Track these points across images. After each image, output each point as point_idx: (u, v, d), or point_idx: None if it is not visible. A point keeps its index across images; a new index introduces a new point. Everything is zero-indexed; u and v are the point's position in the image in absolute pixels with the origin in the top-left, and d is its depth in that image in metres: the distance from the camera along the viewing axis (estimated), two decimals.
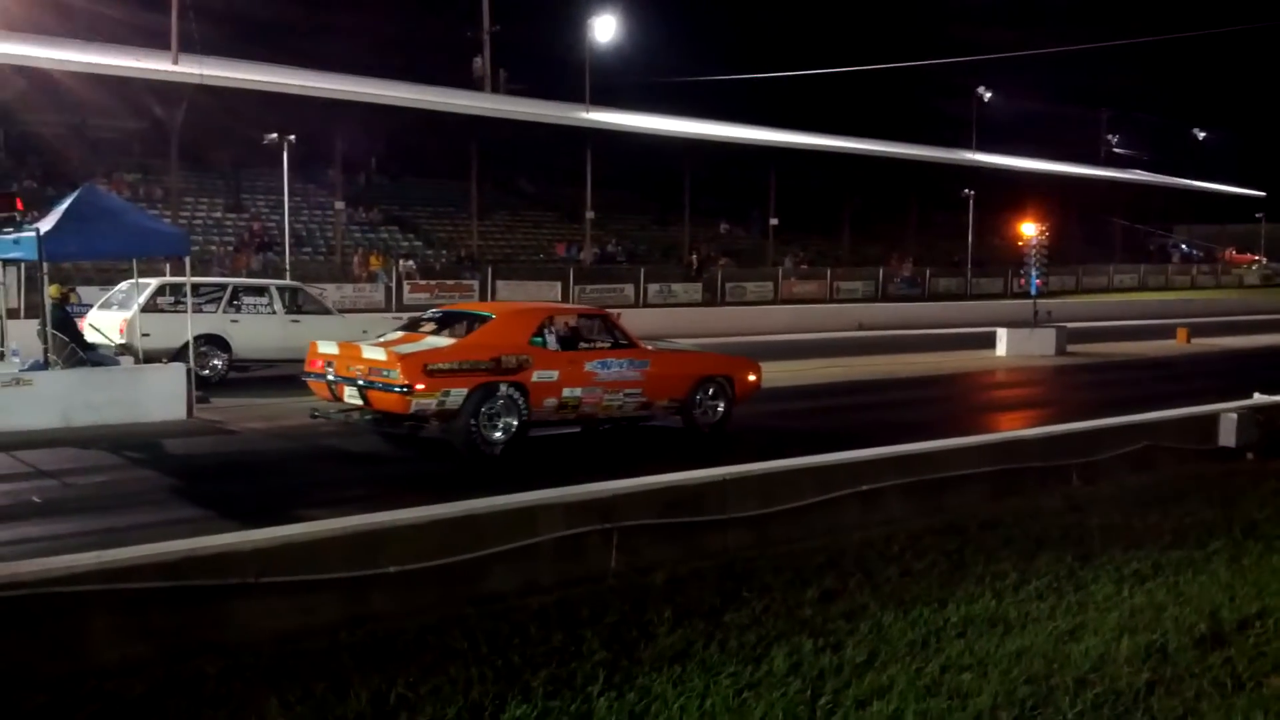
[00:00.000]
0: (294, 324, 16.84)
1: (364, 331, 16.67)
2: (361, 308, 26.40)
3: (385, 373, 10.22)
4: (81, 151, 33.05)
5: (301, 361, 16.78)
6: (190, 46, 29.53)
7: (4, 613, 4.77)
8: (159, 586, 5.18)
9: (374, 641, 5.57)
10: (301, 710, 4.72)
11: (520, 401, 10.67)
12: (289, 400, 14.43)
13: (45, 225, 12.78)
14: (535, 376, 10.73)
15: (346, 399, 10.77)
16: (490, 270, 31.24)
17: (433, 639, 5.61)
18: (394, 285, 29.68)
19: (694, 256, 39.37)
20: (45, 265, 13.56)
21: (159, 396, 12.72)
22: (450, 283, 31.48)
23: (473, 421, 10.43)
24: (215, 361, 16.07)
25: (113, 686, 4.82)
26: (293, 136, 27.61)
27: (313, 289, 19.19)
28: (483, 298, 29.79)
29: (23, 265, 14.61)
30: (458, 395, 10.31)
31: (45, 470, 10.18)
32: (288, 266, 27.41)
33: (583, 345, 11.50)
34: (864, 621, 6.05)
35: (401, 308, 27.84)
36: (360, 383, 10.48)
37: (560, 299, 30.81)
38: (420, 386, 10.07)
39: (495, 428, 10.57)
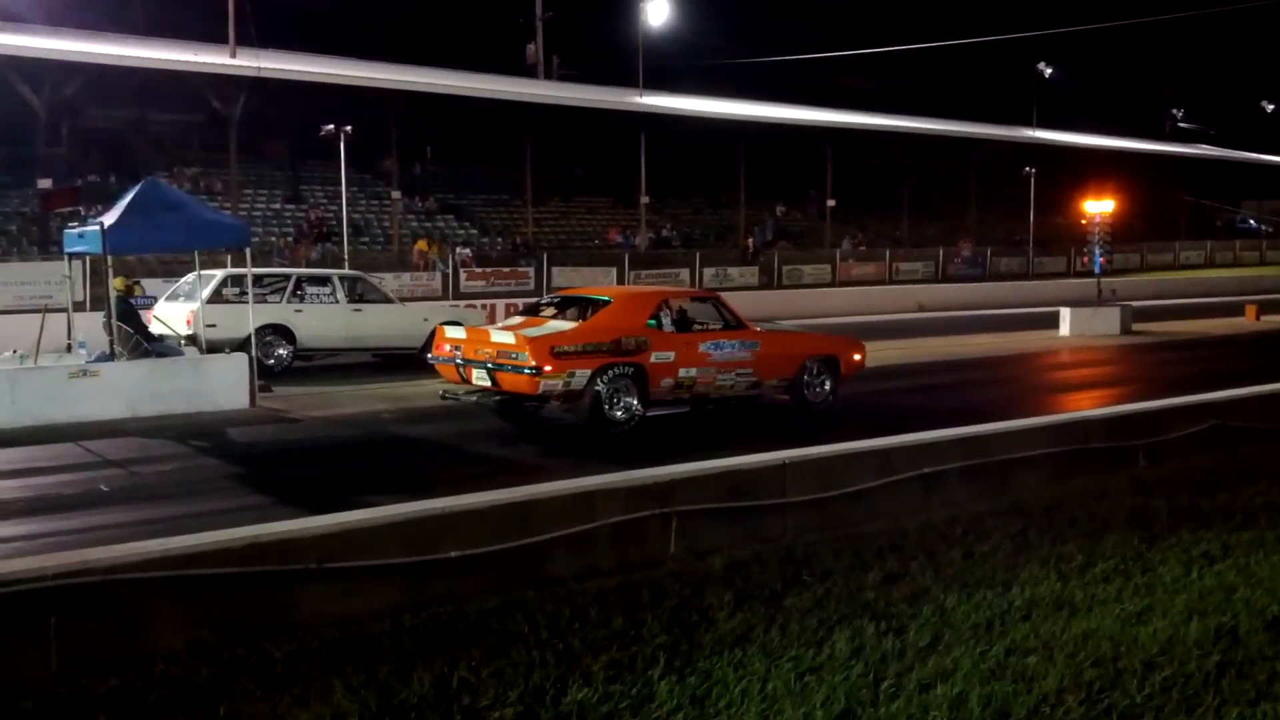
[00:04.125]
0: (356, 313, 17.04)
1: (425, 320, 16.86)
2: (419, 296, 26.56)
3: (514, 355, 10.71)
4: (143, 145, 33.61)
5: (363, 350, 17.25)
6: (248, 40, 29.84)
7: (75, 599, 4.86)
8: (225, 573, 5.26)
9: (435, 625, 5.62)
10: (365, 693, 4.76)
11: (640, 382, 11.04)
12: (351, 389, 14.62)
13: (109, 219, 13.00)
14: (653, 358, 11.18)
15: (474, 381, 11.17)
16: (546, 257, 31.29)
17: (494, 623, 5.64)
18: (451, 273, 29.83)
19: (750, 240, 39.14)
20: (110, 258, 13.82)
21: (223, 386, 12.91)
22: (506, 270, 31.58)
23: (595, 401, 10.84)
24: (280, 351, 16.28)
25: (180, 670, 4.90)
26: (349, 127, 27.82)
27: (372, 278, 19.36)
28: (539, 285, 29.86)
29: (88, 258, 14.88)
30: (582, 376, 10.77)
31: (112, 459, 10.38)
32: (346, 256, 27.67)
33: (696, 327, 11.96)
34: (927, 605, 6.00)
35: (458, 296, 28.02)
36: (489, 365, 10.89)
37: (615, 284, 30.80)
38: (548, 368, 10.53)
39: (617, 407, 11.02)
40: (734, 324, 12.04)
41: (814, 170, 42.20)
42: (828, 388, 12.49)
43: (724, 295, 13.40)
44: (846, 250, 40.27)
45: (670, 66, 40.39)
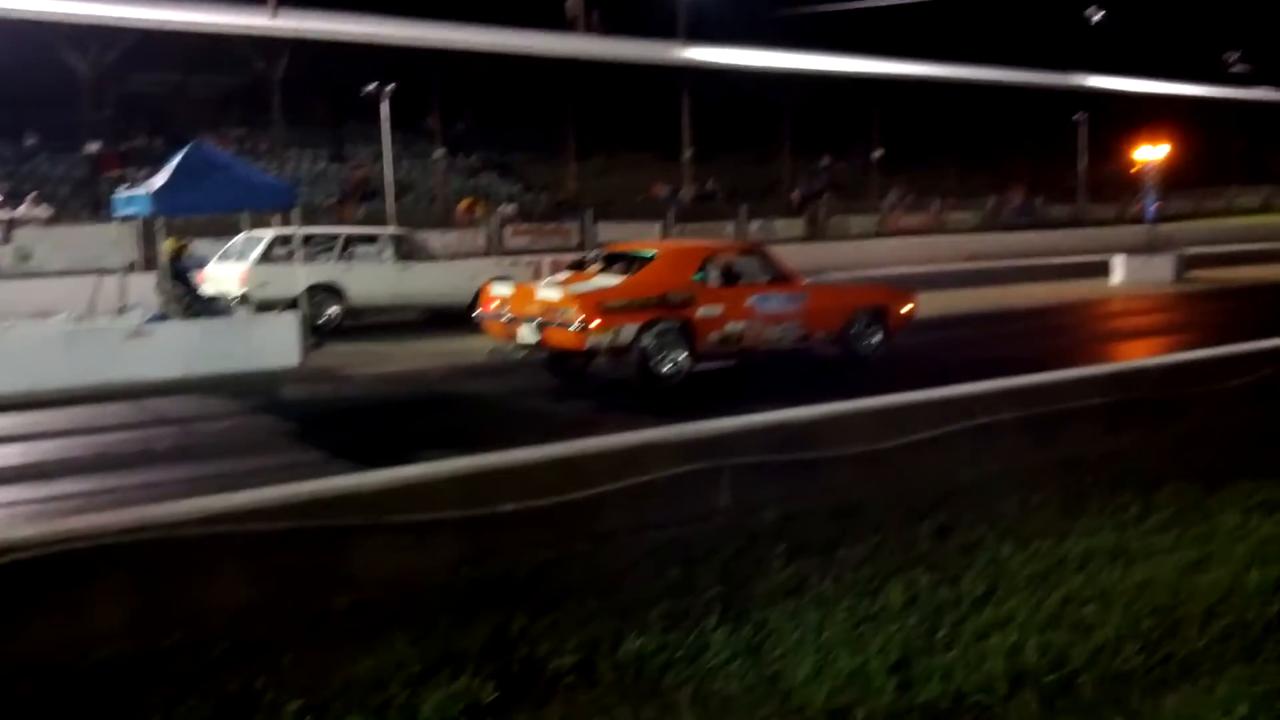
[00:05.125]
0: (404, 271, 17.15)
1: (472, 277, 16.92)
2: (464, 253, 26.63)
3: (561, 311, 10.71)
4: (187, 108, 33.80)
5: (411, 309, 17.36)
6: (289, 1, 29.86)
7: (140, 554, 4.95)
8: (285, 528, 5.34)
9: (492, 578, 5.68)
10: (425, 643, 4.83)
11: (687, 336, 11.01)
12: (400, 346, 14.74)
13: (158, 181, 13.12)
14: (700, 312, 11.14)
15: (521, 338, 11.19)
16: (590, 213, 31.20)
17: (549, 575, 5.70)
18: (494, 230, 29.84)
19: (795, 193, 38.78)
20: (160, 220, 13.96)
21: (274, 345, 13.03)
22: (550, 226, 31.56)
23: (643, 356, 10.83)
24: (329, 309, 16.42)
25: (243, 623, 4.99)
26: (391, 86, 27.79)
27: (419, 236, 19.45)
28: (583, 241, 29.83)
29: (138, 221, 15.04)
30: (629, 331, 10.76)
31: (167, 418, 10.55)
32: (390, 215, 27.76)
33: (742, 281, 11.82)
34: (981, 555, 5.98)
35: (502, 253, 28.05)
36: (536, 322, 10.90)
37: (660, 239, 30.71)
38: (595, 324, 10.52)
39: (664, 361, 11.00)
40: (781, 277, 11.98)
41: (861, 121, 41.67)
42: (877, 339, 12.42)
43: (770, 248, 13.31)
44: (894, 201, 39.82)
45: (713, 18, 39.87)
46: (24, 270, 21.16)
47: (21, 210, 24.40)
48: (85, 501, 7.39)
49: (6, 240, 22.03)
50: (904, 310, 12.76)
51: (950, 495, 7.10)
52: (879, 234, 36.27)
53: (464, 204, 31.72)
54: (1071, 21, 50.44)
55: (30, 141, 29.89)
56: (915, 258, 29.53)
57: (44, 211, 24.95)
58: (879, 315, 12.50)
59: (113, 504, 7.13)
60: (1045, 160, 47.83)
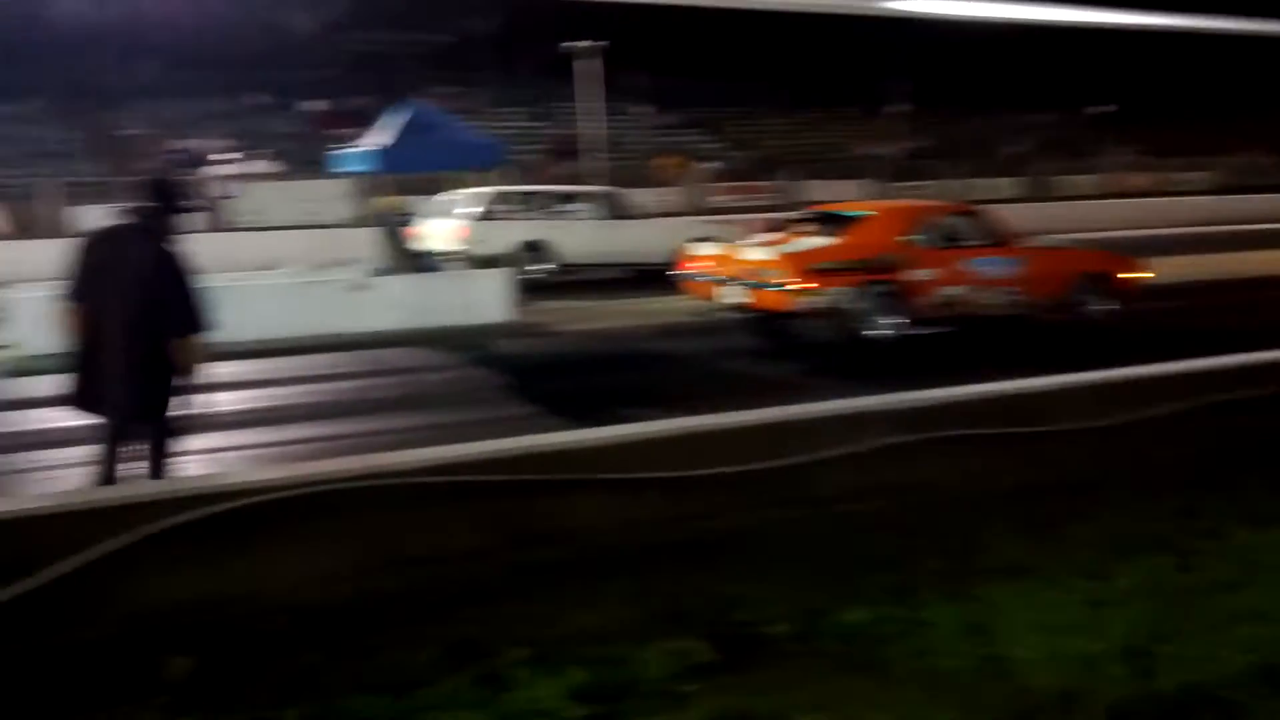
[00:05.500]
0: (612, 229, 17.34)
1: (675, 236, 16.96)
2: (667, 212, 26.72)
3: (769, 272, 10.58)
4: (400, 65, 34.96)
5: (618, 266, 17.54)
6: None
7: (374, 499, 5.13)
8: (507, 479, 5.45)
9: (703, 539, 5.65)
10: (643, 600, 4.85)
11: (899, 300, 10.74)
12: (606, 304, 14.90)
13: (380, 139, 13.60)
14: (913, 275, 10.86)
15: (726, 299, 11.14)
16: (795, 170, 30.81)
17: (759, 541, 5.63)
18: (698, 189, 29.83)
19: (1015, 150, 37.24)
20: (385, 178, 14.49)
21: (486, 300, 13.40)
22: (752, 185, 31.33)
23: (852, 320, 10.62)
24: (540, 266, 16.76)
25: (469, 570, 5.12)
26: (598, 44, 28.02)
27: (626, 194, 19.60)
28: (788, 200, 29.49)
29: (360, 177, 15.65)
30: (838, 294, 10.58)
31: (389, 369, 10.97)
32: (595, 174, 28.07)
33: (958, 243, 11.47)
34: (1228, 541, 5.61)
35: (706, 212, 28.02)
36: (743, 283, 10.76)
37: (870, 198, 30.07)
38: (804, 285, 10.29)
39: (875, 326, 10.78)
40: (999, 239, 11.55)
41: (1088, 74, 39.65)
42: (1102, 307, 11.84)
43: (988, 209, 12.84)
44: (1121, 159, 37.79)
45: None
46: (253, 223, 22.34)
47: (251, 165, 25.77)
48: (318, 447, 7.76)
49: (236, 194, 23.30)
50: (1131, 276, 12.14)
51: (1192, 476, 6.68)
52: (1104, 195, 34.50)
53: (666, 161, 31.81)
54: None
55: (258, 100, 31.52)
56: (1143, 220, 28.04)
57: (271, 167, 26.28)
58: (1104, 281, 11.93)
59: (343, 450, 7.47)
60: None
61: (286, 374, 10.66)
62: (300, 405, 9.35)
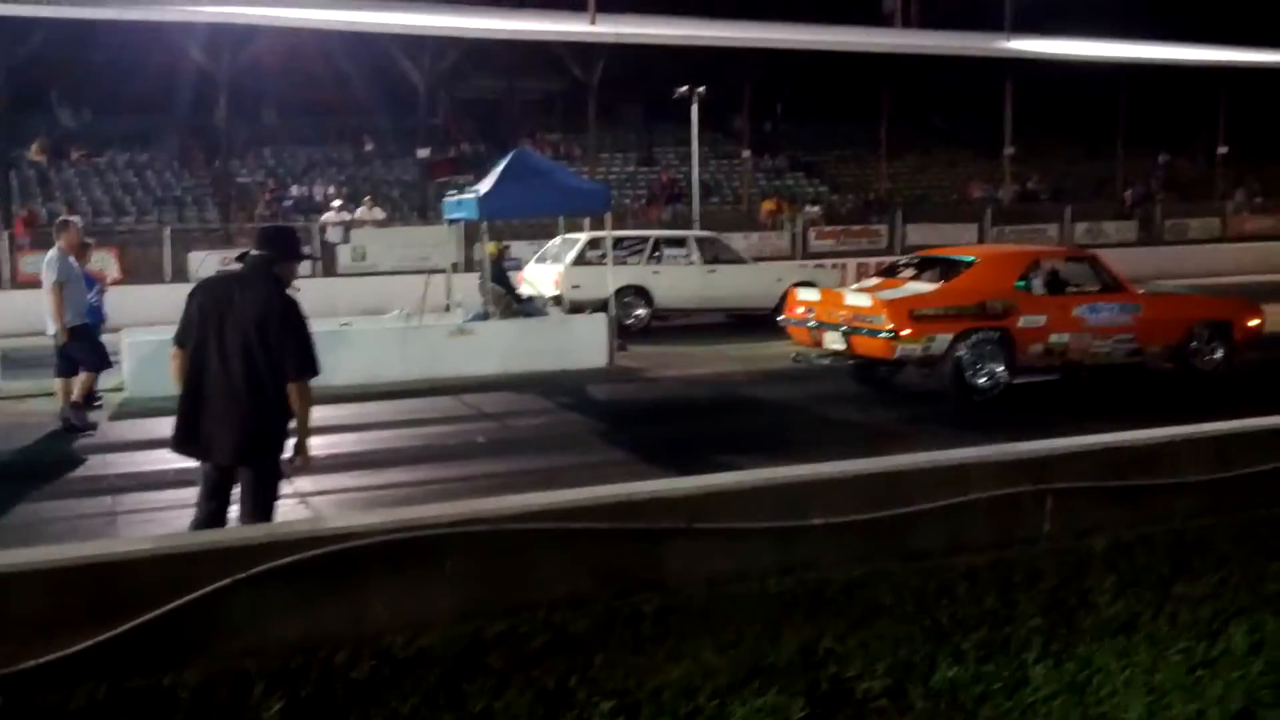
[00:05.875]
0: (710, 274, 17.38)
1: (778, 280, 16.92)
2: (768, 256, 26.67)
3: (869, 318, 10.58)
4: (510, 113, 35.61)
5: (717, 310, 17.55)
6: (606, 6, 30.87)
7: (468, 545, 5.18)
8: (601, 527, 5.45)
9: (800, 591, 5.59)
10: (734, 653, 4.81)
11: (1006, 347, 10.54)
12: (704, 349, 14.92)
13: (485, 186, 13.85)
14: (1021, 322, 10.71)
15: (827, 344, 11.17)
16: (900, 214, 30.51)
17: (859, 593, 5.55)
18: (799, 232, 29.73)
19: (1128, 192, 36.34)
20: (485, 223, 14.74)
21: (584, 345, 13.51)
22: (857, 228, 31.11)
23: (957, 367, 10.50)
24: (638, 311, 16.86)
25: (560, 618, 5.13)
26: (701, 88, 28.17)
27: (725, 239, 19.64)
28: (891, 243, 29.23)
29: (463, 223, 15.94)
30: (943, 341, 10.47)
31: (487, 413, 11.11)
32: (696, 217, 28.15)
33: (1070, 289, 11.33)
34: None
35: (807, 255, 27.91)
36: (843, 328, 10.81)
37: (976, 242, 29.63)
38: (906, 332, 10.32)
39: (980, 373, 10.64)
40: (1112, 285, 11.28)
41: (1204, 114, 38.51)
42: (1220, 355, 11.49)
43: (1100, 254, 12.57)
44: (1240, 202, 36.59)
45: (1040, 6, 37.99)
46: (359, 269, 22.88)
47: (359, 212, 26.40)
48: (415, 491, 7.88)
49: (345, 240, 23.87)
50: (1251, 324, 11.76)
51: None
52: (1222, 238, 33.46)
53: (768, 205, 31.77)
54: None
55: (368, 147, 32.33)
56: (1264, 265, 27.13)
57: (378, 214, 26.90)
58: (1222, 329, 11.56)
59: (439, 494, 7.57)
60: None
61: (389, 418, 10.87)
62: (401, 449, 9.52)
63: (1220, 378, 11.38)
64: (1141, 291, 11.61)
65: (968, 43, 36.25)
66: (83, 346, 10.07)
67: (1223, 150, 37.96)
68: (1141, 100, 37.01)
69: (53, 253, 10.00)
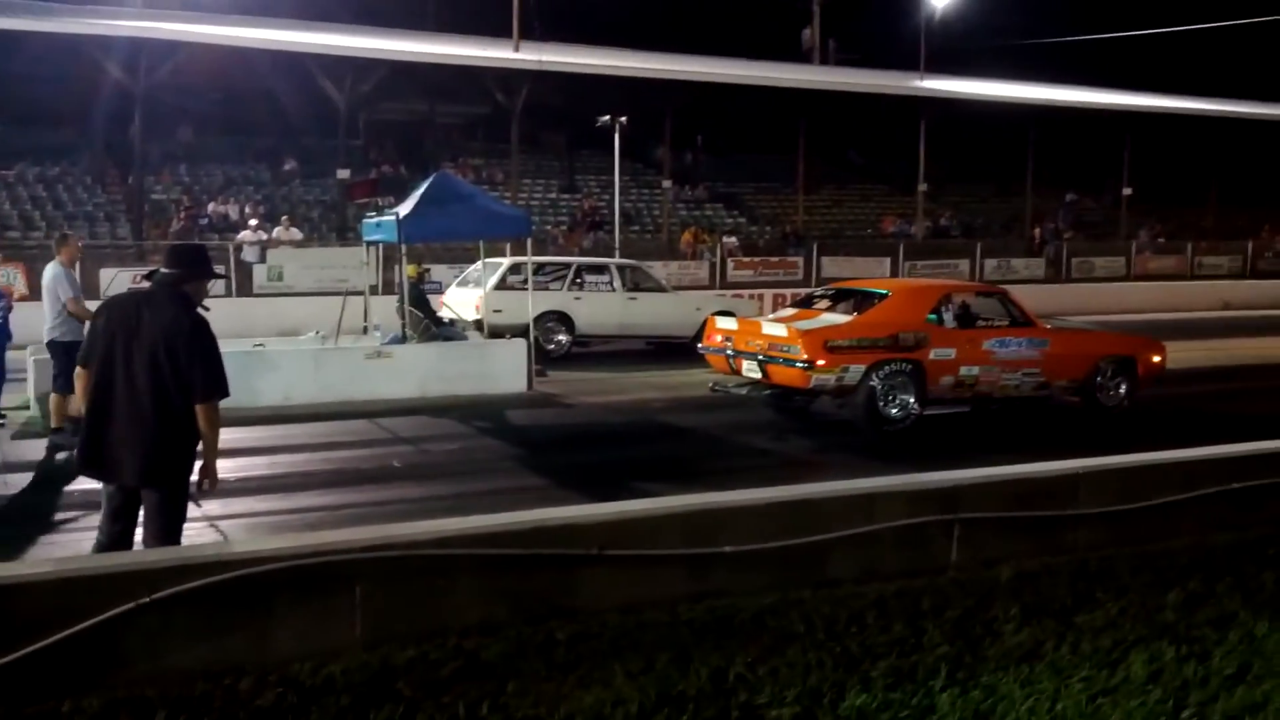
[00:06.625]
0: (631, 301, 17.45)
1: (697, 309, 17.03)
2: (687, 285, 26.85)
3: (786, 348, 10.67)
4: (431, 137, 35.46)
5: (637, 338, 17.60)
6: (530, 34, 30.93)
7: (378, 571, 5.12)
8: (514, 553, 5.43)
9: (712, 619, 5.61)
10: (644, 681, 4.81)
11: (917, 379, 10.73)
12: (624, 376, 14.95)
13: (405, 209, 13.77)
14: (932, 354, 10.88)
15: (744, 373, 11.23)
16: (816, 246, 30.94)
17: (771, 620, 5.59)
18: (718, 262, 29.97)
19: (1037, 230, 37.26)
20: (404, 247, 14.64)
21: (504, 370, 13.46)
22: (775, 259, 31.47)
23: (870, 398, 10.61)
24: (559, 337, 16.86)
25: (472, 645, 5.10)
26: (624, 118, 28.34)
27: (647, 267, 19.74)
28: (808, 275, 29.62)
29: (381, 246, 15.82)
30: (856, 371, 10.59)
31: (403, 437, 11.00)
32: (617, 245, 28.27)
33: (980, 323, 11.54)
34: (1234, 630, 5.54)
35: (725, 285, 28.14)
36: (760, 358, 10.92)
37: (890, 276, 30.14)
38: (820, 362, 10.42)
39: (892, 404, 10.80)
40: (1021, 320, 11.54)
41: (1110, 157, 39.72)
42: (1123, 391, 11.80)
43: (1010, 289, 12.86)
44: (1144, 242, 37.77)
45: (954, 48, 38.97)
46: (275, 289, 22.56)
47: (276, 232, 26.07)
48: (327, 515, 7.77)
49: (260, 260, 23.55)
50: (1154, 360, 12.10)
51: (1203, 563, 6.63)
52: (1127, 277, 34.47)
53: (688, 235, 32.01)
54: None
55: (287, 167, 31.96)
56: (1168, 304, 27.97)
57: (295, 234, 26.57)
58: (1126, 365, 11.88)
59: (352, 519, 7.48)
60: None
61: (301, 441, 10.72)
62: (313, 473, 9.38)
63: (1123, 412, 11.69)
64: (1049, 327, 11.89)
65: (883, 81, 37.00)
66: None
67: (1127, 192, 39.16)
68: (1051, 142, 38.09)
69: None
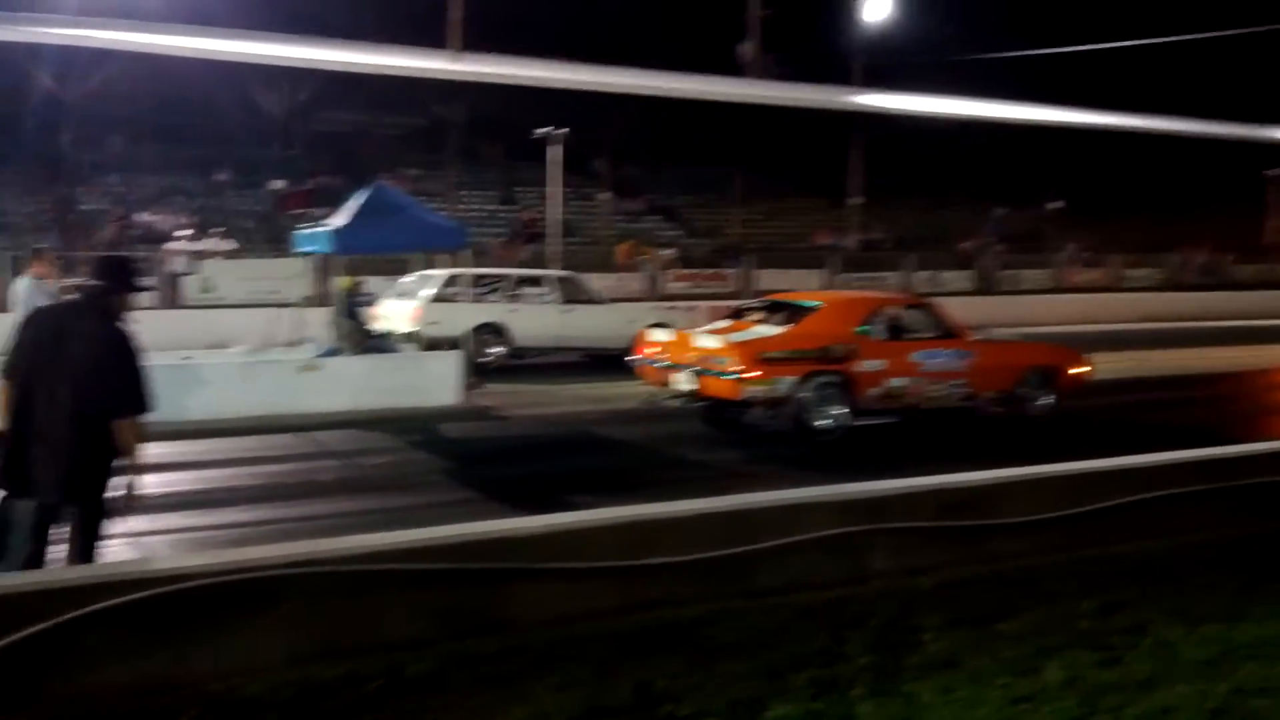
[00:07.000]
0: (568, 313, 17.45)
1: (633, 321, 17.07)
2: (624, 297, 26.92)
3: (718, 360, 10.75)
4: (369, 148, 35.26)
5: (574, 350, 17.60)
6: (471, 45, 30.83)
7: (305, 587, 5.09)
8: (443, 568, 5.42)
9: (641, 631, 5.65)
10: (572, 694, 4.84)
11: (847, 390, 10.85)
12: (559, 388, 14.95)
13: (339, 220, 13.68)
14: (862, 366, 10.99)
15: (678, 385, 11.23)
16: (751, 259, 31.16)
17: (699, 631, 5.64)
18: (655, 274, 30.09)
19: (966, 244, 37.88)
20: (339, 258, 14.54)
21: (437, 382, 13.39)
22: (710, 272, 31.65)
23: (800, 409, 10.71)
24: (495, 349, 16.79)
25: (399, 661, 5.08)
26: (563, 130, 28.38)
27: (584, 279, 19.76)
28: (744, 287, 29.81)
29: (320, 257, 15.70)
30: (788, 383, 10.69)
31: (334, 451, 10.91)
32: (555, 257, 28.28)
33: (908, 335, 11.62)
34: (1147, 637, 5.69)
35: (663, 297, 28.23)
36: (694, 369, 10.90)
37: (822, 289, 30.43)
38: (753, 374, 10.46)
39: (823, 415, 10.88)
40: (948, 332, 11.71)
41: (1038, 170, 40.51)
42: (1047, 401, 12.00)
43: (939, 302, 13.06)
44: (1070, 255, 38.52)
45: (891, 64, 39.41)
46: (206, 301, 22.28)
47: (208, 243, 25.76)
48: (253, 531, 7.70)
49: (191, 271, 23.25)
50: (1077, 371, 12.33)
51: (1120, 570, 6.80)
52: (1053, 290, 35.12)
53: (625, 247, 32.10)
54: (1272, 73, 48.15)
55: (221, 176, 31.59)
56: (1091, 316, 28.49)
57: (228, 244, 26.28)
58: (1050, 376, 12.10)
59: (279, 535, 7.41)
60: (1234, 218, 45.67)
61: (229, 455, 10.58)
62: (240, 488, 9.27)
63: (1048, 422, 11.91)
64: (975, 338, 12.07)
65: (818, 95, 37.29)
66: None
67: (1056, 205, 39.93)
68: (981, 155, 38.74)
69: None
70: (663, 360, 11.50)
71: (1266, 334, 22.50)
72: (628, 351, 12.56)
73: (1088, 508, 7.38)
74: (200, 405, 11.66)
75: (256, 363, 13.14)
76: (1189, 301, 33.01)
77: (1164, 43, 42.32)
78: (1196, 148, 43.29)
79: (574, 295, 18.02)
